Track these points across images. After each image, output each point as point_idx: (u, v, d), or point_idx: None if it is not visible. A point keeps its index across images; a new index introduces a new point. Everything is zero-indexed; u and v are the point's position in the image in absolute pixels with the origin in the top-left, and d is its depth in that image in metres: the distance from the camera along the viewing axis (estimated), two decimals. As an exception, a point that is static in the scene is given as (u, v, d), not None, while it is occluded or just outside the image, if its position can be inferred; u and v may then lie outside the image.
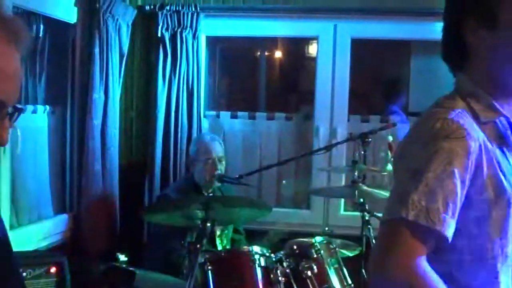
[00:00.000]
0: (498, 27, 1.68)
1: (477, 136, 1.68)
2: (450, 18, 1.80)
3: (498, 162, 1.70)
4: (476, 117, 1.72)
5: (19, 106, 1.37)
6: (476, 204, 1.68)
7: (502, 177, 1.69)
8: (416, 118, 1.78)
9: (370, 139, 3.98)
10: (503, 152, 1.74)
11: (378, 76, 5.59)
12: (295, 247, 3.58)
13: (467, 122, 1.69)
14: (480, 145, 1.67)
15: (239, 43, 5.53)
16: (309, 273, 3.43)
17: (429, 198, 1.61)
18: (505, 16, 1.67)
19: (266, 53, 5.70)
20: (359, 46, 4.88)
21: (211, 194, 4.24)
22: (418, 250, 1.63)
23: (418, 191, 1.62)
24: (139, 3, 4.75)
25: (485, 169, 1.67)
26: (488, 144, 1.71)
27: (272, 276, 3.38)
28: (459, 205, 1.65)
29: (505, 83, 1.75)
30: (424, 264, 1.63)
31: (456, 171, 1.63)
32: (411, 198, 1.61)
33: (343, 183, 4.63)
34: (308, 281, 3.42)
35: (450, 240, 1.64)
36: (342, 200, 4.82)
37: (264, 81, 5.73)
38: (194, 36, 4.63)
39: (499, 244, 1.71)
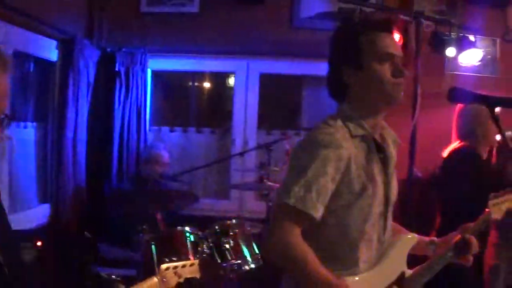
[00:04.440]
0: (363, 69, 1.92)
1: (348, 147, 1.84)
2: (333, 66, 1.98)
3: (364, 166, 1.88)
4: (349, 133, 1.88)
5: (6, 115, 1.46)
6: (344, 195, 1.85)
7: (365, 177, 1.87)
8: (307, 132, 1.91)
9: (272, 148, 4.32)
10: (368, 158, 1.91)
11: (279, 101, 5.69)
12: (217, 227, 3.76)
13: (342, 136, 1.84)
14: (350, 153, 1.84)
15: (176, 76, 5.72)
16: (227, 246, 3.70)
17: (306, 189, 1.76)
18: (365, 62, 1.91)
19: (196, 84, 5.86)
20: (266, 79, 5.22)
21: (154, 188, 4.46)
22: (294, 227, 1.78)
23: (299, 184, 1.77)
24: (103, 45, 5.06)
25: (353, 171, 1.84)
26: (358, 152, 1.87)
27: (199, 249, 3.64)
28: (329, 195, 1.81)
29: (372, 102, 1.94)
30: (297, 238, 1.78)
31: (328, 171, 1.78)
32: (293, 189, 1.77)
33: (253, 180, 4.68)
34: (227, 252, 3.70)
35: (318, 220, 1.80)
36: (252, 192, 5.14)
37: (194, 104, 5.84)
38: (142, 71, 4.97)
39: (363, 224, 1.90)
